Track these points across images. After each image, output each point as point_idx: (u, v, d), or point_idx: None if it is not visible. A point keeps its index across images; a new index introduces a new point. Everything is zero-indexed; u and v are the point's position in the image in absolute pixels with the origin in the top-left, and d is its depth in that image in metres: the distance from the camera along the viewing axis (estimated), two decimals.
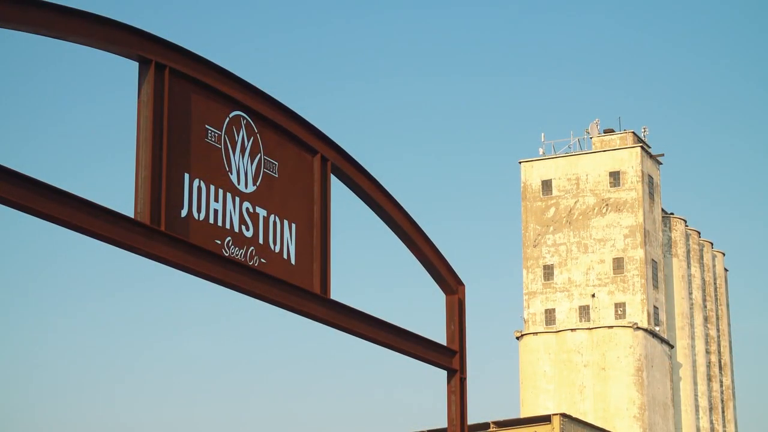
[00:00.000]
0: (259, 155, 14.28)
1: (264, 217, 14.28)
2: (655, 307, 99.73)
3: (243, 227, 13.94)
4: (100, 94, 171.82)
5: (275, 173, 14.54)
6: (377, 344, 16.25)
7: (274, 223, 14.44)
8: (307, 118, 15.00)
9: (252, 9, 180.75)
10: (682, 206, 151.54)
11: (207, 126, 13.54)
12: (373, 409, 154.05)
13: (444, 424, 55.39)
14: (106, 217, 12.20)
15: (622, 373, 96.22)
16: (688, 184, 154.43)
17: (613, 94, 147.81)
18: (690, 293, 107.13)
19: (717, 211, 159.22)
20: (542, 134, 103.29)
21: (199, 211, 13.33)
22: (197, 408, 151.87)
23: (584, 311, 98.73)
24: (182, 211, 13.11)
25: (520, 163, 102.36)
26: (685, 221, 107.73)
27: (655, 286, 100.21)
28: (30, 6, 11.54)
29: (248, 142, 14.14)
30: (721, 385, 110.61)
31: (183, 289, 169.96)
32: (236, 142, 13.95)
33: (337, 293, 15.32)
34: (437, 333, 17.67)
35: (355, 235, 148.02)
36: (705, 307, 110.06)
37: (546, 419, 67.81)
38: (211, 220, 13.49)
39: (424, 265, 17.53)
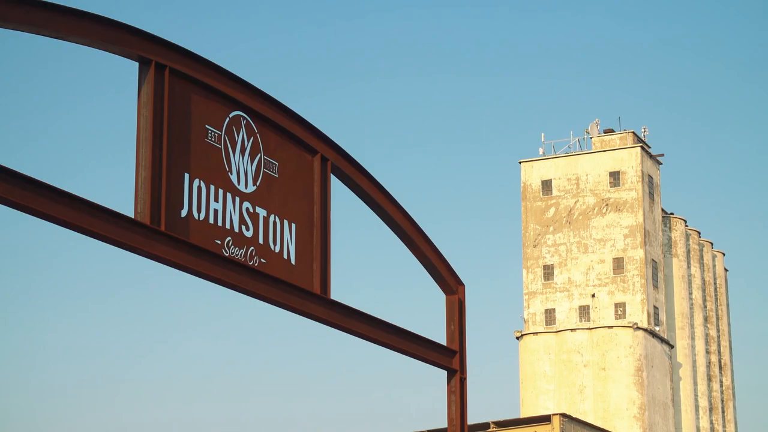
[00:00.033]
0: (259, 155, 14.29)
1: (264, 217, 14.29)
2: (655, 307, 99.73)
3: (243, 227, 13.94)
4: (100, 94, 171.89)
5: (275, 173, 14.54)
6: (377, 344, 16.25)
7: (274, 223, 14.44)
8: (307, 118, 15.01)
9: (252, 9, 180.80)
10: (682, 206, 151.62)
11: (207, 126, 13.54)
12: (373, 409, 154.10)
13: (444, 424, 55.33)
14: (106, 217, 12.21)
15: (622, 373, 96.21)
16: (688, 184, 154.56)
17: (613, 94, 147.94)
18: (690, 293, 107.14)
19: (717, 211, 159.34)
20: (542, 134, 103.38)
21: (199, 211, 13.33)
22: (197, 408, 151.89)
23: (584, 311, 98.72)
24: (182, 211, 13.11)
25: (520, 163, 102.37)
26: (685, 221, 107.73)
27: (655, 286, 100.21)
28: (30, 6, 11.55)
29: (248, 142, 14.14)
30: (721, 385, 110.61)
31: (183, 289, 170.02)
32: (236, 142, 13.95)
33: (337, 293, 15.34)
34: (437, 333, 17.68)
35: (355, 235, 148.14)
36: (705, 307, 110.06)
37: (546, 419, 67.77)
38: (211, 220, 13.50)
39: (424, 265, 17.53)
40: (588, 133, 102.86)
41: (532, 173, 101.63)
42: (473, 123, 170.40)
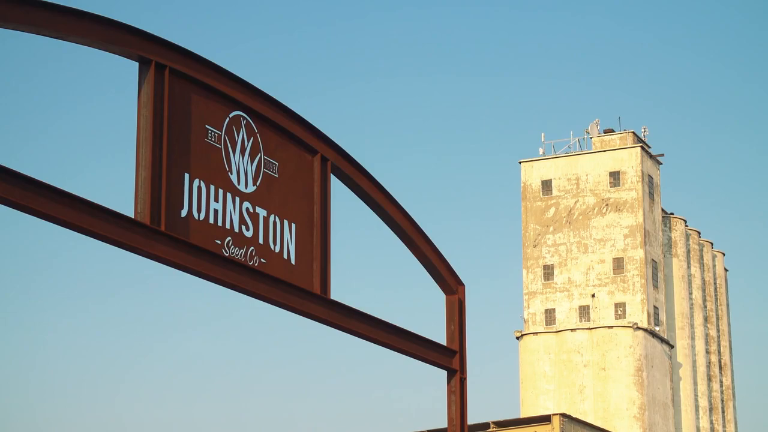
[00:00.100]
0: (259, 155, 14.28)
1: (264, 217, 14.29)
2: (655, 307, 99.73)
3: (243, 227, 13.94)
4: (100, 94, 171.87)
5: (275, 173, 14.54)
6: (377, 344, 16.25)
7: (274, 223, 14.44)
8: (307, 118, 15.01)
9: (252, 9, 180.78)
10: (682, 206, 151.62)
11: (207, 126, 13.54)
12: (373, 409, 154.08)
13: (444, 424, 55.34)
14: (106, 217, 12.21)
15: (622, 373, 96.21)
16: (688, 184, 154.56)
17: (613, 94, 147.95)
18: (690, 293, 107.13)
19: (717, 211, 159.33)
20: (542, 134, 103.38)
21: (199, 211, 13.33)
22: (197, 408, 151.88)
23: (584, 311, 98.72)
24: (182, 211, 13.11)
25: (520, 163, 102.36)
26: (685, 221, 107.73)
27: (655, 286, 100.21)
28: (30, 6, 11.55)
29: (248, 142, 14.14)
30: (721, 385, 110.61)
31: (183, 289, 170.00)
32: (236, 142, 13.95)
33: (337, 293, 15.33)
34: (437, 333, 17.68)
35: (355, 235, 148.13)
36: (705, 307, 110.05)
37: (546, 419, 67.76)
38: (211, 220, 13.50)
39: (424, 265, 17.53)
40: (588, 133, 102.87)
41: (532, 173, 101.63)
42: (473, 123, 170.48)
